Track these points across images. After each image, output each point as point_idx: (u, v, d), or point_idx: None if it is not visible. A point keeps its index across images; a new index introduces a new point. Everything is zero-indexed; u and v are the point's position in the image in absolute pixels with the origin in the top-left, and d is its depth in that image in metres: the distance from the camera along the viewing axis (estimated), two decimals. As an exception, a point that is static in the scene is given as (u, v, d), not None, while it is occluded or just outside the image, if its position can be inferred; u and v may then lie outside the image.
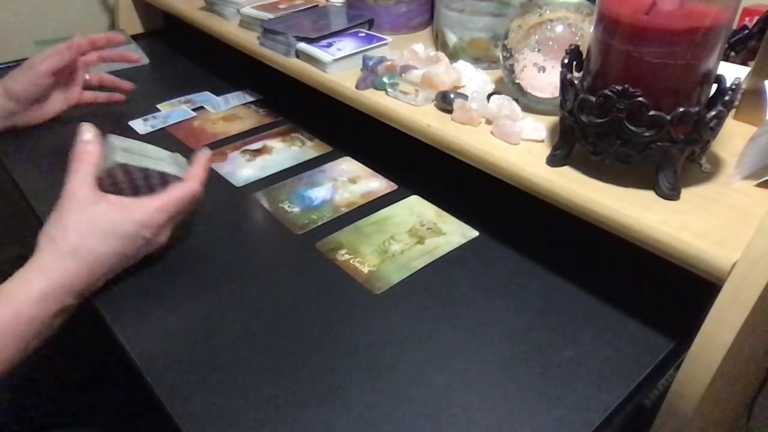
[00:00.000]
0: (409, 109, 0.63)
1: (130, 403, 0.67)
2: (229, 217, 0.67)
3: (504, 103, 0.58)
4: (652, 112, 0.44)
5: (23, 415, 0.66)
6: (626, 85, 0.44)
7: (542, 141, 0.56)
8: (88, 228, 0.50)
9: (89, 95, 0.84)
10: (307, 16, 0.83)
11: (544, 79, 0.58)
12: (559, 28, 0.57)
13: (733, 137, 0.54)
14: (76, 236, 0.50)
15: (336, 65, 0.71)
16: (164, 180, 0.57)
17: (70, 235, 0.50)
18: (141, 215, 0.52)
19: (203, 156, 0.60)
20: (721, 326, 0.41)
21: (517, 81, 0.60)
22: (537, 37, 0.58)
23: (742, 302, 0.40)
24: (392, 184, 0.71)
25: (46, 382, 0.69)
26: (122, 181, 0.55)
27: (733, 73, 0.48)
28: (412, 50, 0.71)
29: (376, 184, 0.72)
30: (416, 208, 0.67)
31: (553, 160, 0.53)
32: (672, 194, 0.48)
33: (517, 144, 0.56)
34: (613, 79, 0.45)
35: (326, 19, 0.81)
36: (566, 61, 0.51)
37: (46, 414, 0.67)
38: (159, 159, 0.58)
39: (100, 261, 0.51)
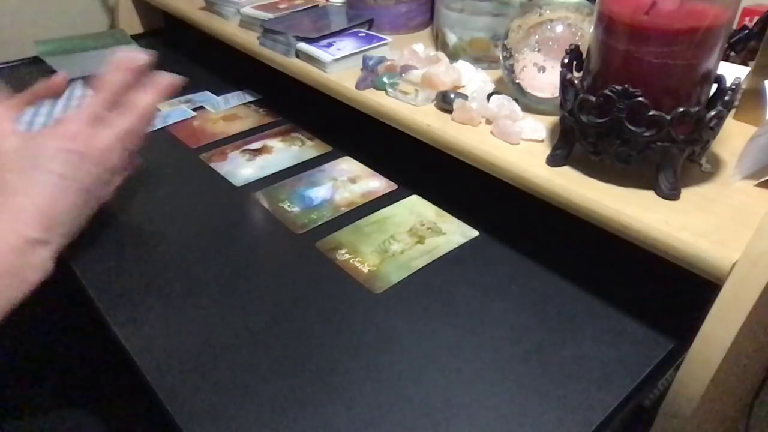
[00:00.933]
0: (409, 109, 0.63)
1: (130, 403, 0.67)
2: (228, 216, 0.67)
3: (504, 103, 0.59)
4: (652, 112, 0.44)
5: (23, 414, 0.66)
6: (626, 85, 0.44)
7: (542, 141, 0.56)
8: (14, 164, 0.50)
9: None
10: (307, 16, 0.83)
11: (544, 79, 0.58)
12: (559, 28, 0.58)
13: (733, 137, 0.54)
14: (6, 174, 0.49)
15: (336, 65, 0.72)
16: None
17: (1, 175, 0.50)
18: (59, 129, 0.52)
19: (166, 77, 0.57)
20: (721, 326, 0.41)
21: (517, 81, 0.60)
22: (537, 37, 0.58)
23: (742, 302, 0.40)
24: (392, 183, 0.71)
25: (45, 382, 0.69)
26: None
27: (733, 73, 0.48)
28: (412, 50, 0.71)
29: (376, 184, 0.72)
30: (416, 208, 0.67)
31: (553, 160, 0.53)
32: (672, 194, 0.48)
33: (517, 144, 0.56)
34: (613, 79, 0.45)
35: (326, 19, 0.81)
36: (566, 61, 0.51)
37: (46, 413, 0.67)
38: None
39: (40, 186, 0.50)
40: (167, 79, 0.57)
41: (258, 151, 0.78)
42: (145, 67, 0.55)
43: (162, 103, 0.58)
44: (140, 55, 0.55)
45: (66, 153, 0.51)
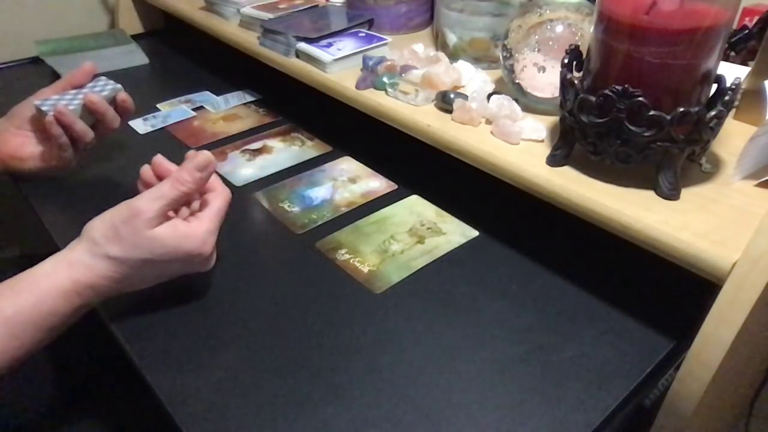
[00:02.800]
0: (409, 109, 0.63)
1: (129, 403, 0.67)
2: (228, 216, 0.66)
3: (504, 103, 0.59)
4: (652, 112, 0.44)
5: (23, 414, 0.66)
6: (626, 85, 0.44)
7: (542, 141, 0.56)
8: (138, 248, 0.48)
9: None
10: (307, 16, 0.83)
11: (544, 79, 0.58)
12: (559, 28, 0.57)
13: (733, 137, 0.54)
14: (122, 249, 0.48)
15: (336, 65, 0.72)
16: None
17: (117, 247, 0.48)
18: (194, 244, 0.50)
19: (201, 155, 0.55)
20: (721, 326, 0.41)
21: (517, 81, 0.60)
22: (537, 37, 0.58)
23: (742, 302, 0.40)
24: (392, 183, 0.71)
25: (45, 382, 0.69)
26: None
27: (733, 73, 0.48)
28: (412, 50, 0.71)
29: (376, 184, 0.72)
30: (416, 208, 0.67)
31: (553, 160, 0.53)
32: (672, 194, 0.48)
33: (517, 144, 0.56)
34: (613, 79, 0.45)
35: (326, 19, 0.81)
36: (566, 61, 0.51)
37: (46, 413, 0.67)
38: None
39: (139, 276, 0.50)
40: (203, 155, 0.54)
41: (258, 151, 0.78)
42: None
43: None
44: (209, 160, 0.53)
45: (190, 265, 0.52)
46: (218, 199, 0.54)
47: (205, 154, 0.51)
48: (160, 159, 0.57)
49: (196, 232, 0.51)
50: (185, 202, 0.53)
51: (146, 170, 0.57)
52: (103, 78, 0.71)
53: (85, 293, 0.48)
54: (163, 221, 0.49)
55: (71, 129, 0.67)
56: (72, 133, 0.67)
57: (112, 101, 0.69)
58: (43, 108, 0.66)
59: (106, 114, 0.68)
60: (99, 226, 0.49)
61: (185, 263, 0.51)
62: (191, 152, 0.54)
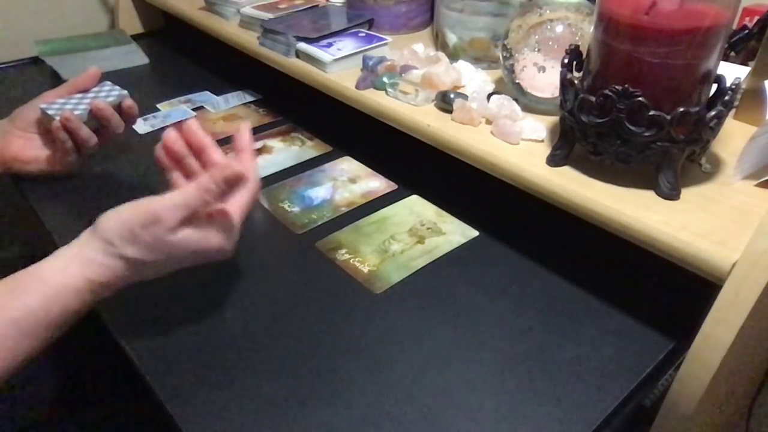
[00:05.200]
0: (409, 109, 0.63)
1: (129, 403, 0.67)
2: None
3: (504, 103, 0.58)
4: (652, 112, 0.44)
5: (22, 414, 0.66)
6: (626, 85, 0.44)
7: (542, 141, 0.56)
8: (157, 252, 0.47)
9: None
10: (307, 16, 0.83)
11: (544, 79, 0.58)
12: (559, 28, 0.57)
13: (733, 137, 0.54)
14: (140, 252, 0.46)
15: (336, 65, 0.71)
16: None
17: (135, 248, 0.46)
18: (217, 242, 0.49)
19: (243, 135, 0.54)
20: (721, 326, 0.41)
21: (517, 81, 0.60)
22: (537, 37, 0.58)
23: (742, 302, 0.40)
24: (392, 183, 0.71)
25: (45, 382, 0.69)
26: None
27: (733, 73, 0.48)
28: (412, 50, 0.71)
29: (376, 184, 0.72)
30: (416, 208, 0.67)
31: (553, 160, 0.53)
32: (672, 194, 0.48)
33: (517, 144, 0.56)
34: (613, 79, 0.45)
35: (326, 19, 0.81)
36: (566, 61, 0.51)
37: (46, 414, 0.67)
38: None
39: (154, 273, 0.49)
40: (245, 136, 0.54)
41: (258, 151, 0.78)
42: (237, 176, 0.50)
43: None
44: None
45: (196, 260, 0.50)
46: (246, 193, 0.52)
47: (237, 170, 0.48)
48: (194, 126, 0.54)
49: (220, 230, 0.49)
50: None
51: (172, 136, 0.53)
52: (109, 83, 0.70)
53: (97, 291, 0.47)
54: (186, 225, 0.47)
55: (76, 134, 0.66)
56: (77, 138, 0.67)
57: (118, 107, 0.69)
58: (49, 112, 0.65)
59: (111, 120, 0.68)
60: (115, 228, 0.46)
61: (206, 258, 0.50)
62: (234, 136, 0.52)
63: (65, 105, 0.67)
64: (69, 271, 0.46)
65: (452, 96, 0.61)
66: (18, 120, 0.69)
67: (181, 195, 0.47)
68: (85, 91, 0.69)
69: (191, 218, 0.47)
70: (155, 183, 0.72)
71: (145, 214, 0.46)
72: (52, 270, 0.46)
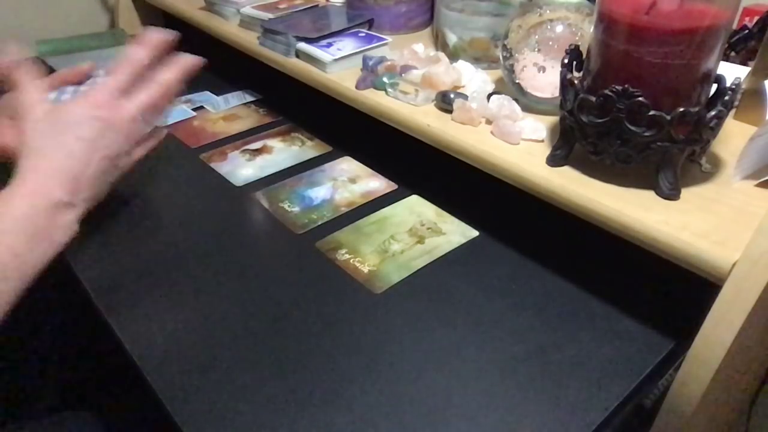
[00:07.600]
0: (409, 109, 0.63)
1: (130, 404, 0.67)
2: (228, 216, 0.67)
3: (504, 103, 0.58)
4: (652, 112, 0.44)
5: (23, 414, 0.66)
6: (626, 85, 0.44)
7: (542, 141, 0.56)
8: (44, 130, 0.52)
9: None
10: (307, 16, 0.83)
11: (544, 79, 0.58)
12: (559, 28, 0.57)
13: (733, 137, 0.54)
14: (37, 139, 0.52)
15: (336, 65, 0.72)
16: None
17: (33, 140, 0.52)
18: (87, 98, 0.54)
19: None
20: (721, 326, 0.41)
21: (517, 81, 0.60)
22: (537, 37, 0.58)
23: (742, 302, 0.40)
24: (392, 183, 0.71)
25: (45, 382, 0.69)
26: None
27: (733, 73, 0.48)
28: (412, 50, 0.71)
29: (376, 184, 0.72)
30: (416, 208, 0.67)
31: (553, 160, 0.53)
32: (672, 194, 0.48)
33: (517, 144, 0.56)
34: (613, 79, 0.45)
35: (326, 19, 0.81)
36: (566, 61, 0.51)
37: (46, 414, 0.67)
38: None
39: (67, 151, 0.52)
40: (189, 58, 0.62)
41: (258, 151, 0.78)
42: (168, 46, 0.59)
43: (182, 80, 0.62)
44: (165, 34, 0.59)
45: (92, 120, 0.54)
46: (149, 90, 0.58)
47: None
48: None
49: (94, 92, 0.55)
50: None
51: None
52: (102, 73, 0.70)
53: (42, 189, 0.50)
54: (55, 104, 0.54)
55: None
56: None
57: None
58: None
59: None
60: (21, 149, 0.53)
61: (89, 122, 0.54)
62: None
63: (61, 95, 0.66)
64: (9, 192, 0.50)
65: (452, 96, 0.61)
66: (7, 109, 0.69)
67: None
68: (79, 83, 0.69)
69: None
70: (145, 174, 0.72)
71: (23, 114, 0.53)
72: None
